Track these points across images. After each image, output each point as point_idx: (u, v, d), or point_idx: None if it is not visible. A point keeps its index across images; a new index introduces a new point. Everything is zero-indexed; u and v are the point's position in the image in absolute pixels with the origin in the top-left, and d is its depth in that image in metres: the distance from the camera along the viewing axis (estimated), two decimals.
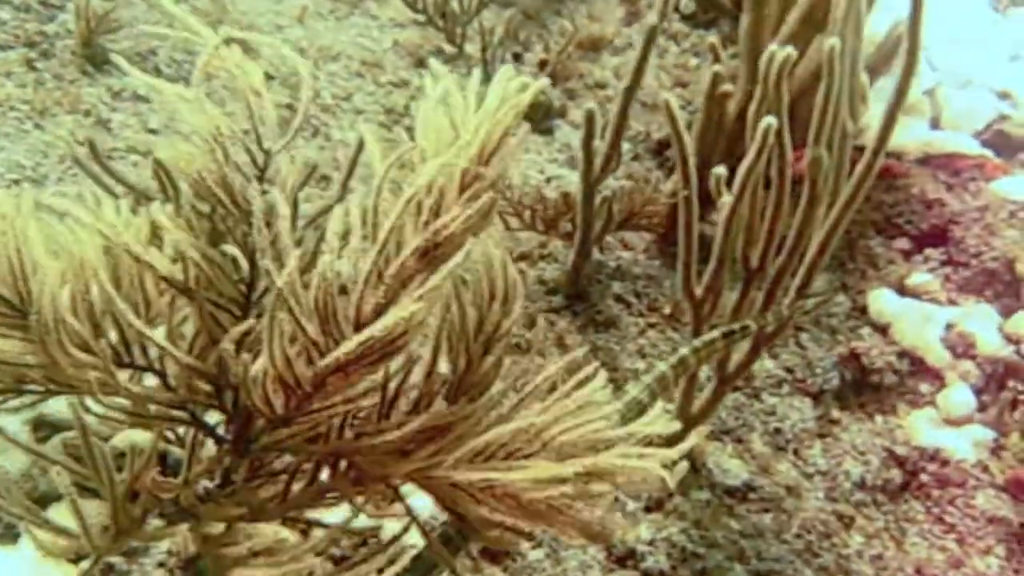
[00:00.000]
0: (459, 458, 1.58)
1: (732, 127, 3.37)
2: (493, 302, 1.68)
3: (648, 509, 2.79)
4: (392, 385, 1.64)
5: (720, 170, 2.42)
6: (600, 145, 2.95)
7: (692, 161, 2.45)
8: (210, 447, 1.93)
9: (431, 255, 1.51)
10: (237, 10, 4.54)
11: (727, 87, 3.29)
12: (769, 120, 2.23)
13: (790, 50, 2.36)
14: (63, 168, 3.34)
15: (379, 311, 1.49)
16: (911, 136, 3.50)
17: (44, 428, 2.33)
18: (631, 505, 2.79)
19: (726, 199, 2.34)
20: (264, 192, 1.76)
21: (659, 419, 1.63)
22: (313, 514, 1.87)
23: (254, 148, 1.76)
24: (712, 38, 3.27)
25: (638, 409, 2.06)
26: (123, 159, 3.44)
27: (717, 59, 3.19)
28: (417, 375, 1.66)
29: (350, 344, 1.44)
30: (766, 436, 3.00)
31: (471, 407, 1.65)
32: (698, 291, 2.51)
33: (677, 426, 1.63)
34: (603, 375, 1.72)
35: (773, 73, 2.32)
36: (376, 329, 1.43)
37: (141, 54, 3.91)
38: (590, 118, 2.80)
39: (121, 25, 3.94)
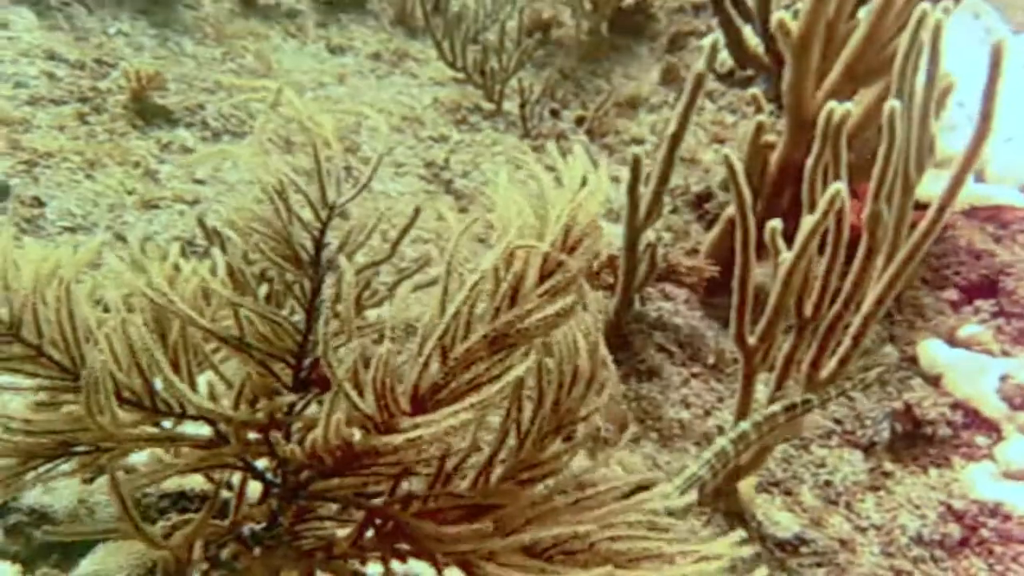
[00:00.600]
0: (506, 547, 1.51)
1: (774, 178, 3.37)
2: (575, 387, 1.58)
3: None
4: (450, 463, 1.60)
5: (776, 223, 2.41)
6: (645, 192, 2.95)
7: (751, 213, 2.43)
8: (255, 489, 1.91)
9: (501, 342, 1.43)
10: (282, 67, 4.64)
11: (770, 137, 3.30)
12: (838, 187, 2.20)
13: (848, 106, 2.36)
14: (112, 216, 3.39)
15: (437, 390, 1.44)
16: None
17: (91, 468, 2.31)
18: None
19: (786, 255, 2.31)
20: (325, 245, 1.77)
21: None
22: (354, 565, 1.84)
23: (316, 202, 1.76)
24: (754, 90, 3.30)
25: (699, 486, 2.02)
26: (169, 208, 3.49)
27: (760, 109, 3.20)
28: (479, 456, 1.62)
29: (397, 439, 1.39)
30: (816, 489, 2.93)
31: (528, 495, 1.60)
32: (751, 340, 2.48)
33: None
34: (668, 486, 1.66)
35: (832, 129, 2.31)
36: (424, 432, 1.38)
37: (190, 109, 3.99)
38: (636, 163, 2.80)
39: (170, 81, 4.04)
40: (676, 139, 2.83)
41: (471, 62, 4.78)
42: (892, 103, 2.30)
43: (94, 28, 4.33)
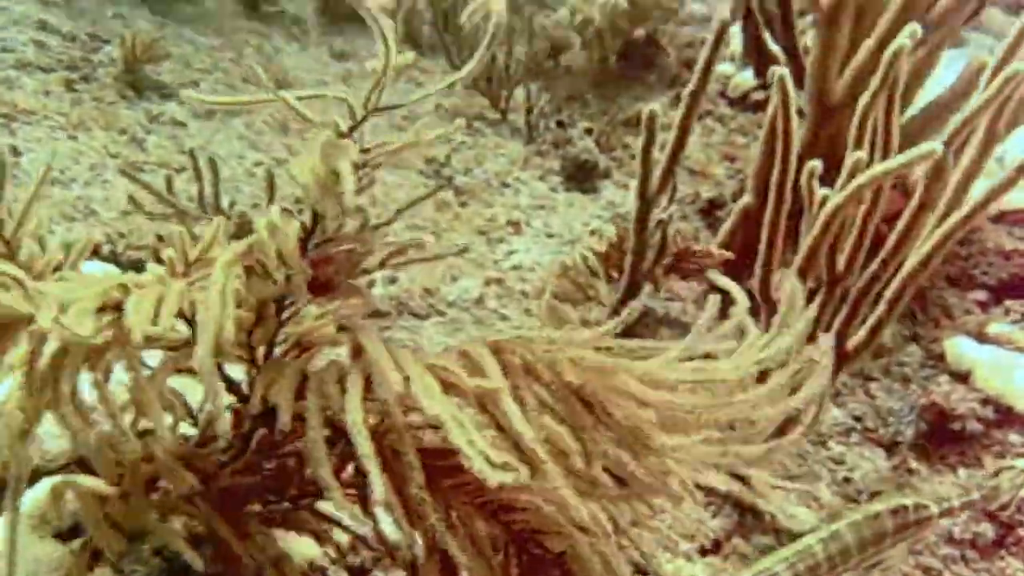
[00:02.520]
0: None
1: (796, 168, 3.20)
2: None
3: (704, 551, 2.45)
4: None
5: (816, 163, 2.23)
6: (659, 159, 2.78)
7: (794, 136, 2.25)
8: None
9: None
10: (284, 66, 4.52)
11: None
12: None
13: (906, 40, 2.19)
14: (92, 175, 3.19)
15: None
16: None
17: None
18: (684, 546, 2.46)
19: (835, 197, 2.12)
20: None
21: None
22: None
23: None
24: (778, 70, 3.15)
25: None
26: (153, 172, 3.30)
27: (785, 92, 3.05)
28: None
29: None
30: (834, 486, 2.68)
31: None
32: (776, 295, 2.27)
33: None
34: None
35: (888, 61, 2.15)
36: None
37: (183, 85, 3.84)
38: (651, 121, 2.63)
39: (167, 55, 3.89)
40: (695, 98, 2.67)
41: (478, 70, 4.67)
42: (981, 58, 2.15)
43: (90, 8, 4.22)
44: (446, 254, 2.46)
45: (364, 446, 0.98)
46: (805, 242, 2.21)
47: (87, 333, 0.98)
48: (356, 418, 1.01)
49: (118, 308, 1.05)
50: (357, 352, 1.13)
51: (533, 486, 1.12)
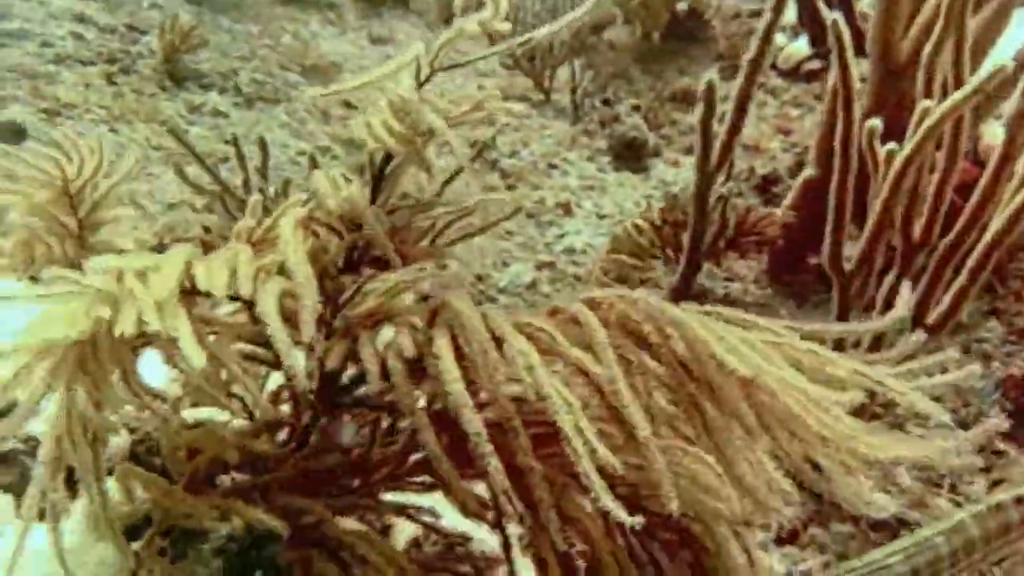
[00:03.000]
0: None
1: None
2: None
3: (780, 540, 2.33)
4: None
5: (876, 122, 2.10)
6: (719, 131, 2.65)
7: (855, 93, 2.12)
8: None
9: None
10: (320, 50, 4.44)
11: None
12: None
13: None
14: (137, 168, 3.13)
15: None
16: None
17: None
18: (760, 536, 2.34)
19: (905, 147, 1.99)
20: None
21: None
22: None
23: None
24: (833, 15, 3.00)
25: None
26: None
27: (841, 43, 2.90)
28: None
29: None
30: (915, 471, 2.54)
31: None
32: (847, 265, 2.14)
33: None
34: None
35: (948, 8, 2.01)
36: None
37: (223, 73, 3.77)
38: (710, 91, 2.51)
39: (205, 44, 3.83)
40: (756, 66, 2.53)
41: (520, 50, 4.56)
42: None
43: (127, 1, 4.16)
44: (500, 219, 2.35)
45: (466, 411, 0.86)
46: (875, 205, 2.08)
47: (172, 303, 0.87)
48: (453, 380, 0.89)
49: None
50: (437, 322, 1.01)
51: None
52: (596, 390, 0.95)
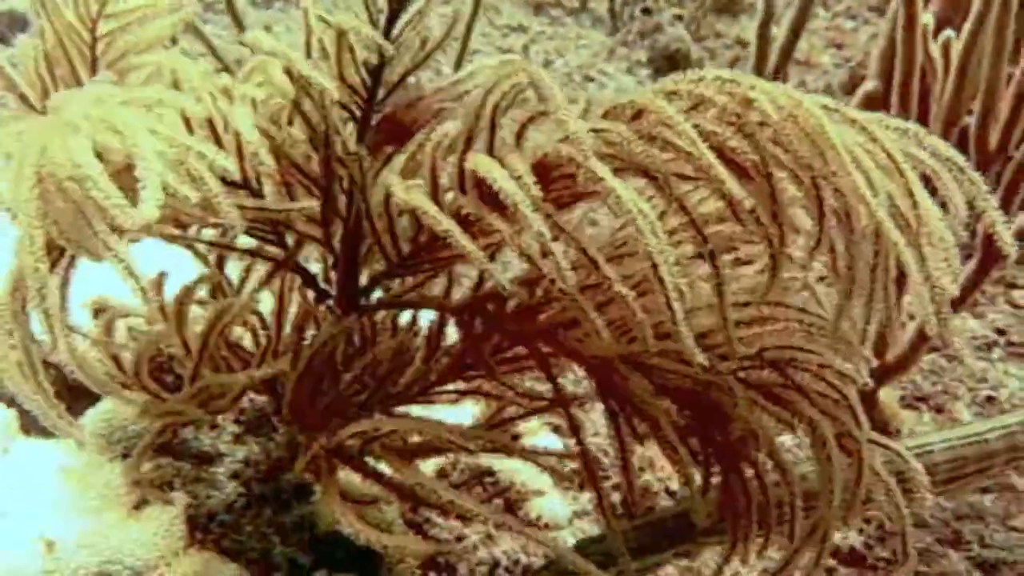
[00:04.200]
0: None
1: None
2: None
3: None
4: None
5: (928, 18, 1.89)
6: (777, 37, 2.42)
7: (920, 10, 1.90)
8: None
9: None
10: None
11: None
12: None
13: None
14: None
15: None
16: None
17: None
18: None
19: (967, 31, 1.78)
20: None
21: None
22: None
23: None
24: None
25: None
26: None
27: None
28: None
29: None
30: (975, 406, 2.37)
31: None
32: None
33: None
34: None
35: None
36: None
37: None
38: None
39: None
40: None
41: None
42: None
43: None
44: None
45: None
46: (939, 105, 1.87)
47: None
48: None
49: None
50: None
51: None
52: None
